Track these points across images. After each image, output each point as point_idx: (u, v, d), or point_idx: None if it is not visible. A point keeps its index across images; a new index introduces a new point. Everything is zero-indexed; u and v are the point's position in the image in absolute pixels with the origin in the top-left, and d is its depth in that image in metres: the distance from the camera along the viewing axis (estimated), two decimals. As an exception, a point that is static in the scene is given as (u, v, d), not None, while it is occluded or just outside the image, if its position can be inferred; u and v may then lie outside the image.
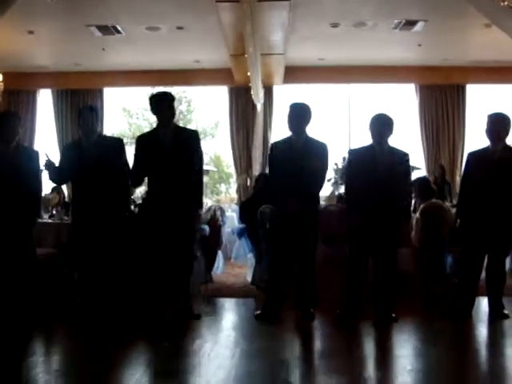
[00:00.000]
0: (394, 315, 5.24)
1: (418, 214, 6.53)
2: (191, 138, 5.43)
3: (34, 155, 5.59)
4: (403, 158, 5.42)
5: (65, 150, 5.88)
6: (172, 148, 5.28)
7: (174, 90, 12.68)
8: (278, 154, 5.48)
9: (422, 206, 6.59)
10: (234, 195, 11.69)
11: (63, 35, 9.46)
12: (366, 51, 10.26)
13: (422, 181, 7.29)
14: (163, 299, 5.41)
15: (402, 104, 11.86)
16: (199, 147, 5.49)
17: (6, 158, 5.38)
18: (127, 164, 5.53)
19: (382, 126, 5.33)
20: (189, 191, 5.32)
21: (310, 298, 5.44)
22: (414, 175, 8.81)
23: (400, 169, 5.37)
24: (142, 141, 5.51)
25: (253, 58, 8.18)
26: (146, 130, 12.57)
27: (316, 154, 5.37)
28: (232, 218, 9.79)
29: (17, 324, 5.08)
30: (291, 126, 5.41)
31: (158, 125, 5.47)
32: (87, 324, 5.14)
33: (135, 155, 5.42)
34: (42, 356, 4.48)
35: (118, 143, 5.67)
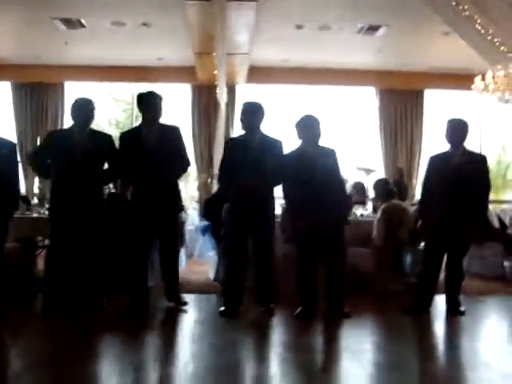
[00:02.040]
0: (346, 311, 5.36)
1: (378, 214, 6.71)
2: (175, 135, 5.64)
3: (12, 147, 5.56)
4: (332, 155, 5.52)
5: (52, 140, 5.77)
6: (156, 146, 5.47)
7: (135, 87, 12.60)
8: (233, 149, 5.62)
9: (382, 206, 6.76)
10: (195, 193, 11.70)
11: (26, 27, 9.29)
12: (330, 54, 10.41)
13: (381, 182, 7.45)
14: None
15: (363, 107, 12.06)
16: (183, 143, 5.72)
17: None
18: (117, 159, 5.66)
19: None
20: (173, 188, 5.61)
21: (269, 294, 5.56)
22: (372, 177, 9.03)
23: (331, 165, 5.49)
24: (126, 138, 5.69)
25: (220, 57, 8.22)
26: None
27: (270, 150, 5.48)
28: (193, 216, 9.83)
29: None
30: (245, 123, 5.58)
31: (142, 122, 5.64)
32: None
33: (118, 152, 5.59)
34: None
35: (108, 139, 5.76)
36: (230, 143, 5.87)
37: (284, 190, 5.52)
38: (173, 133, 5.66)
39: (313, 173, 5.31)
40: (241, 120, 5.62)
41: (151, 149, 5.46)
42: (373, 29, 9.08)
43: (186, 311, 5.60)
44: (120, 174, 5.77)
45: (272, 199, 5.67)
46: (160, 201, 5.49)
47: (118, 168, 5.63)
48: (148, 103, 5.55)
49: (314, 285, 5.45)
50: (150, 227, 5.55)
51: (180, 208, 5.93)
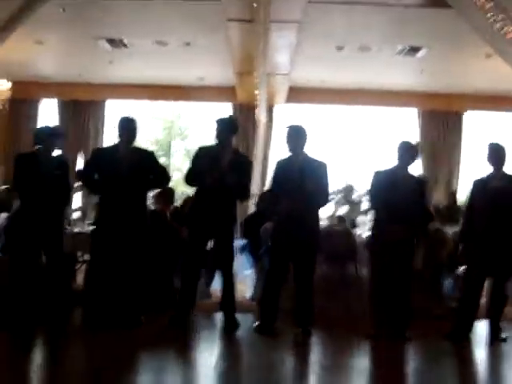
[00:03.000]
0: (407, 335, 5.32)
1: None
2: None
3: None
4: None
5: (98, 156, 5.96)
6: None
7: (176, 106, 12.77)
8: (280, 171, 5.68)
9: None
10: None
11: (71, 46, 9.55)
12: (369, 75, 10.41)
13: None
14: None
15: (403, 128, 11.98)
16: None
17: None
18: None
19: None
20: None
21: (307, 316, 5.53)
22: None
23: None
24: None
25: (261, 77, 8.29)
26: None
27: (314, 172, 5.52)
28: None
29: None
30: (289, 146, 5.64)
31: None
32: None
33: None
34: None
35: (151, 156, 5.88)
36: (277, 167, 5.86)
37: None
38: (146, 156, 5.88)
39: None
40: (286, 142, 5.68)
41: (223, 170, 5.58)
42: (413, 50, 9.05)
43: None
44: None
45: (317, 222, 5.70)
46: (215, 220, 5.55)
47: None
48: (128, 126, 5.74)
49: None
50: (203, 244, 5.69)
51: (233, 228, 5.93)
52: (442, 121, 11.68)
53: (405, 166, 5.58)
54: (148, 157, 5.83)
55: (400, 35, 8.47)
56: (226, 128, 5.69)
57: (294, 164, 5.59)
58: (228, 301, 5.66)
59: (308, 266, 5.55)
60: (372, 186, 5.71)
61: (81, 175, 5.79)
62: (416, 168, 11.11)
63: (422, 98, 11.34)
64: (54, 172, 5.63)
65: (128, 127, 5.72)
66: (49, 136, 5.78)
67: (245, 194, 5.87)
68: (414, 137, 11.59)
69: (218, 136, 5.68)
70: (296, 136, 5.65)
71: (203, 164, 5.59)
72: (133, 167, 5.57)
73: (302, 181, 5.42)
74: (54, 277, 5.65)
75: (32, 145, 5.86)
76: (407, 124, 11.92)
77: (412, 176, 5.68)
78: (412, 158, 5.61)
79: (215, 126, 5.72)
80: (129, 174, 5.53)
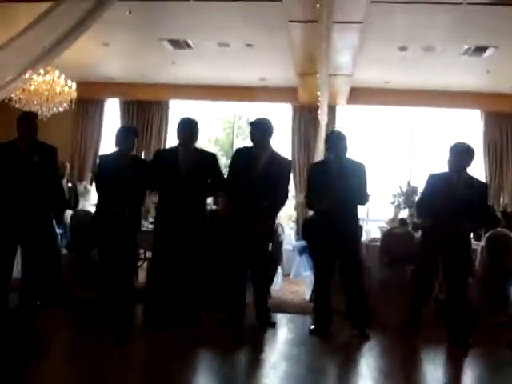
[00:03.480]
0: (469, 341, 5.26)
1: (483, 242, 6.47)
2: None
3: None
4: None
5: (159, 158, 6.14)
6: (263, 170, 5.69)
7: (238, 106, 12.85)
8: (316, 174, 5.81)
9: (487, 234, 6.52)
10: (292, 213, 11.72)
11: (136, 47, 9.73)
12: (433, 76, 10.21)
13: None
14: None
15: (465, 130, 11.68)
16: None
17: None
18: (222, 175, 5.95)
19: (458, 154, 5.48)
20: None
21: (362, 318, 5.55)
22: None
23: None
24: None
25: (323, 78, 8.25)
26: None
27: (353, 174, 5.60)
28: (289, 236, 9.86)
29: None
30: (332, 149, 5.73)
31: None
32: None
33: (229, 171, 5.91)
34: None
35: (212, 157, 5.97)
36: (313, 169, 6.06)
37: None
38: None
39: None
40: (328, 145, 5.81)
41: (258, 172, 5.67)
42: (480, 50, 8.81)
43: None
44: (227, 191, 5.93)
45: (357, 220, 5.76)
46: (254, 219, 5.58)
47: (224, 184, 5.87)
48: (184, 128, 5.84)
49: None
50: (247, 244, 5.66)
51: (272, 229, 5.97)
52: (508, 123, 11.33)
53: (461, 168, 5.46)
54: (209, 158, 5.89)
55: (465, 34, 8.26)
56: (261, 130, 5.74)
57: (332, 166, 5.66)
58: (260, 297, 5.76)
59: (352, 265, 5.58)
60: (425, 189, 5.66)
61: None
62: (479, 172, 10.95)
63: (487, 98, 11.03)
64: (132, 172, 5.82)
65: (189, 129, 5.81)
66: (130, 136, 5.99)
67: (281, 199, 5.85)
68: (477, 139, 11.33)
69: (254, 139, 5.75)
70: (340, 139, 5.72)
71: (240, 166, 5.70)
72: (192, 170, 5.66)
73: (339, 182, 5.51)
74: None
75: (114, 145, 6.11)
76: (470, 126, 11.62)
77: (471, 178, 5.54)
78: (469, 161, 5.49)
79: (250, 128, 5.80)
80: (187, 177, 5.63)
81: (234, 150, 6.24)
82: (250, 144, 5.85)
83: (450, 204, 5.31)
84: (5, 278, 5.48)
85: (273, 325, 5.74)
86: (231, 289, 5.73)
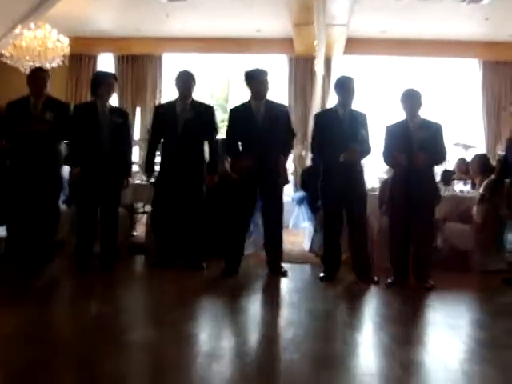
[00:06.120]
0: (431, 283, 5.41)
1: (480, 190, 6.50)
2: (282, 113, 5.90)
3: (126, 116, 6.06)
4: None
5: (158, 113, 6.14)
6: (264, 121, 5.72)
7: (233, 59, 12.68)
8: (324, 122, 5.82)
9: (485, 182, 6.54)
10: (290, 165, 11.69)
11: (128, 0, 9.55)
12: (431, 24, 10.05)
13: (480, 157, 7.27)
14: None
15: (463, 80, 11.58)
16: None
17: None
18: (216, 130, 6.05)
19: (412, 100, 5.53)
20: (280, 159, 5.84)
21: (366, 266, 5.69)
22: (471, 153, 8.73)
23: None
24: (237, 113, 5.93)
25: (319, 28, 8.14)
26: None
27: (359, 123, 5.69)
28: (288, 187, 9.84)
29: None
30: (339, 97, 5.75)
31: (250, 97, 5.84)
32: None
33: (229, 125, 5.90)
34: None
35: (209, 110, 6.00)
36: (320, 118, 6.01)
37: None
38: (280, 111, 5.96)
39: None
40: (336, 93, 5.79)
41: (260, 122, 5.72)
42: (479, -4, 8.68)
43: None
44: (226, 147, 6.01)
45: (361, 171, 5.82)
46: (264, 173, 5.68)
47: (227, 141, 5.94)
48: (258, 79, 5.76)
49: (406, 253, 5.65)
50: (252, 197, 5.79)
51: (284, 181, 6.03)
52: (506, 72, 11.23)
53: (415, 113, 5.53)
54: (205, 111, 5.89)
55: (464, -19, 8.14)
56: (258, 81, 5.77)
57: (339, 115, 5.70)
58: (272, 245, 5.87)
59: (358, 214, 5.72)
60: (385, 141, 5.72)
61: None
62: (478, 121, 10.93)
63: (486, 47, 10.89)
64: (117, 120, 5.76)
65: (183, 81, 5.84)
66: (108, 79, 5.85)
67: (288, 149, 6.03)
68: (475, 89, 11.26)
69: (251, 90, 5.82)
70: (346, 87, 5.71)
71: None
72: (189, 123, 5.71)
73: (348, 132, 5.60)
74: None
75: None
76: (468, 76, 11.51)
77: (425, 121, 5.60)
78: (421, 104, 5.56)
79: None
80: (184, 130, 5.68)
81: (229, 109, 6.21)
82: (244, 99, 5.88)
83: (408, 149, 5.42)
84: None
85: (284, 274, 5.85)
86: (232, 237, 5.84)
